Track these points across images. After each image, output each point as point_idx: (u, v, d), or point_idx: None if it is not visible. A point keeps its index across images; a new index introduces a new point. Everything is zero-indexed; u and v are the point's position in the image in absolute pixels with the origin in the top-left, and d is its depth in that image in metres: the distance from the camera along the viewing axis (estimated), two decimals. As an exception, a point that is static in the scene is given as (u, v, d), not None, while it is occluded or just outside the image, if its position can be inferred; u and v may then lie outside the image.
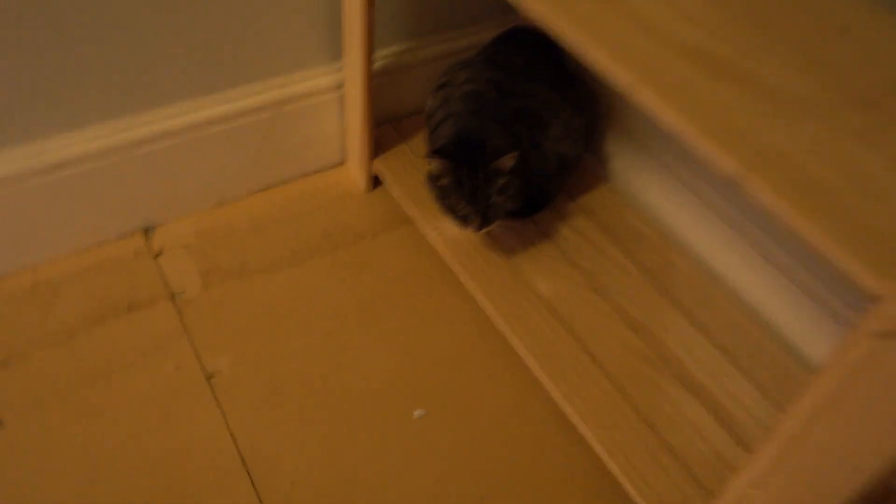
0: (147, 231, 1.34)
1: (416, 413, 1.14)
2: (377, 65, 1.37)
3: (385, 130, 1.47)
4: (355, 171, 1.46)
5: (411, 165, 1.41)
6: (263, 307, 1.25)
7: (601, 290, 1.23)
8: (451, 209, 1.15)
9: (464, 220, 1.15)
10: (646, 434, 1.05)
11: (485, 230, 1.15)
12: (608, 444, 1.04)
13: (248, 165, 1.38)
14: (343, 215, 1.41)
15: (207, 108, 1.27)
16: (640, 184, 1.37)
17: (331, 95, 1.38)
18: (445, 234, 1.29)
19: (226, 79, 1.27)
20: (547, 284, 1.23)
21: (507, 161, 1.11)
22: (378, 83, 1.39)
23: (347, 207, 1.43)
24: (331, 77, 1.36)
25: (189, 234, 1.35)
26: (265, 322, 1.23)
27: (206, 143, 1.30)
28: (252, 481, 1.04)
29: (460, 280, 1.29)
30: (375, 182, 1.46)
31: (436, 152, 1.12)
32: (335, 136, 1.45)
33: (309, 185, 1.46)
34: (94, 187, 1.24)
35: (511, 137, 1.14)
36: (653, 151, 1.32)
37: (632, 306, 1.21)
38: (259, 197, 1.43)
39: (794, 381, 1.13)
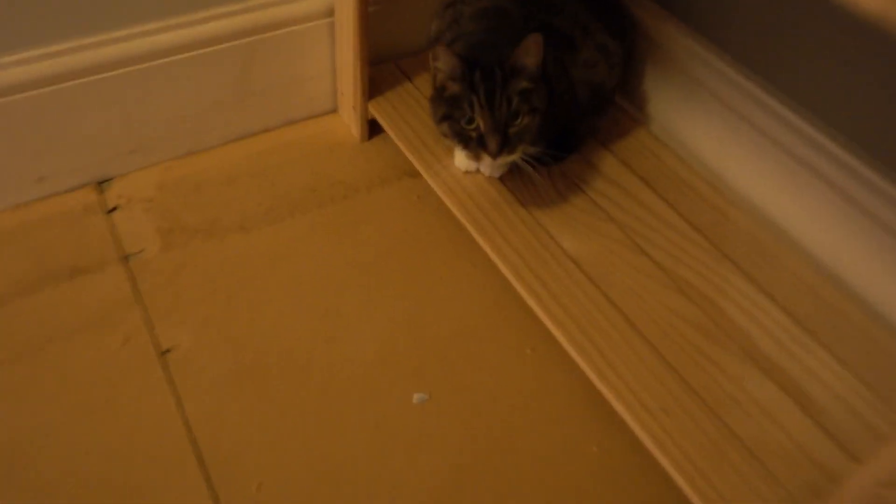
0: (101, 184, 1.14)
1: (417, 397, 0.93)
2: (372, -12, 1.16)
3: (384, 70, 1.25)
4: (348, 116, 1.25)
5: (415, 107, 1.19)
6: (235, 270, 1.05)
7: (643, 248, 1.01)
8: (460, 132, 0.92)
9: (478, 143, 0.91)
10: (705, 420, 0.84)
11: (506, 159, 0.93)
12: (657, 432, 0.82)
13: (222, 107, 1.17)
14: (333, 167, 1.20)
15: (172, 31, 1.06)
16: (685, 126, 1.15)
17: (319, 23, 1.17)
18: (455, 181, 1.08)
19: (190, -2, 1.06)
20: (576, 242, 1.01)
21: (532, 49, 0.88)
22: (375, 10, 1.18)
23: (338, 158, 1.22)
24: (318, 1, 1.15)
25: (150, 186, 1.14)
26: (236, 287, 1.03)
27: (171, 76, 1.09)
28: (209, 481, 0.83)
29: (473, 237, 1.07)
30: (372, 130, 1.25)
31: (443, 45, 0.90)
32: (325, 75, 1.24)
33: (294, 133, 1.25)
34: (34, 127, 1.03)
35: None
36: (702, 83, 1.09)
37: (681, 267, 0.99)
38: (235, 146, 1.22)
39: (885, 353, 0.90)
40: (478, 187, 1.08)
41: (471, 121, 0.91)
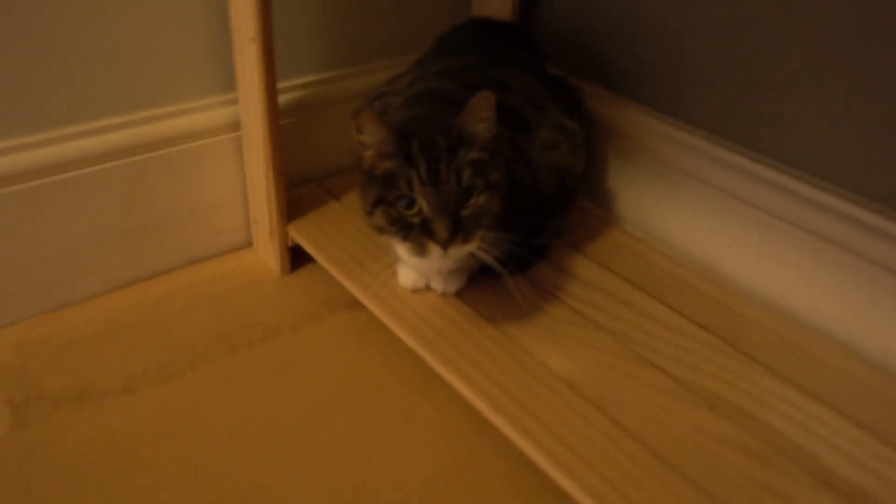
0: (-64, 352, 0.86)
1: None
2: (284, 98, 1.00)
3: (305, 191, 1.06)
4: (264, 248, 1.04)
5: (345, 226, 0.99)
6: (114, 447, 0.77)
7: (648, 358, 0.80)
8: (398, 220, 0.72)
9: (422, 230, 0.71)
10: (796, 584, 0.58)
11: (460, 250, 0.72)
12: None
13: (104, 245, 0.94)
14: (248, 308, 0.97)
15: (33, 150, 0.86)
16: (665, 217, 0.99)
17: (222, 138, 0.99)
18: (402, 304, 0.86)
19: (63, 107, 0.87)
20: (564, 359, 0.79)
21: (482, 108, 0.70)
22: (289, 123, 1.01)
23: (254, 297, 0.99)
24: (221, 112, 0.98)
25: (7, 348, 0.87)
26: (114, 471, 0.74)
27: (33, 206, 0.87)
28: None
29: (433, 372, 0.84)
30: (295, 262, 1.03)
31: (367, 112, 0.71)
32: (234, 201, 1.04)
33: (198, 274, 1.02)
34: None
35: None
36: (675, 166, 0.95)
37: (701, 376, 0.78)
38: (122, 294, 0.97)
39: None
40: (431, 308, 0.86)
41: (411, 203, 0.71)
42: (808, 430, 0.72)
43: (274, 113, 0.91)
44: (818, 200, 0.82)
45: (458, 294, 0.88)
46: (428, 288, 0.88)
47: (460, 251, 0.71)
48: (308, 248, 0.97)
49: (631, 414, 0.73)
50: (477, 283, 0.88)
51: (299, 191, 1.06)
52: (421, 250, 0.72)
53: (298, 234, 0.98)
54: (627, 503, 0.64)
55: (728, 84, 0.89)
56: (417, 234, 0.71)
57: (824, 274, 0.84)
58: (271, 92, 0.90)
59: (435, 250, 0.71)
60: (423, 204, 0.70)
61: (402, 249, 0.79)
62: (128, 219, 0.95)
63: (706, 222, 0.94)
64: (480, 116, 0.70)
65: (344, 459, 0.77)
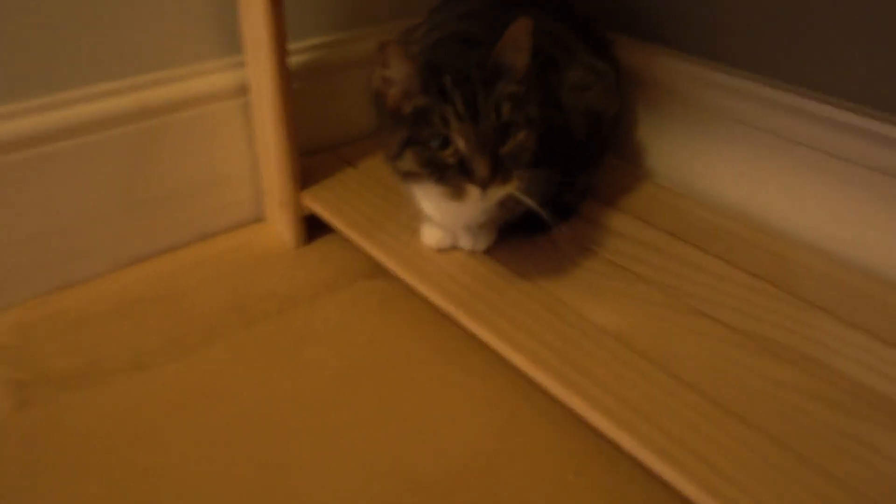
0: (-69, 336, 0.80)
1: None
2: (294, 61, 0.94)
3: (319, 160, 1.01)
4: (276, 219, 0.98)
5: (364, 192, 0.94)
6: (123, 426, 0.71)
7: (699, 308, 0.73)
8: (431, 161, 0.66)
9: (460, 171, 0.65)
10: (894, 535, 0.52)
11: (499, 191, 0.65)
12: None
13: (106, 221, 0.89)
14: (262, 281, 0.91)
15: (27, 116, 0.80)
16: (701, 167, 0.92)
17: (229, 104, 0.93)
18: (430, 265, 0.80)
19: (56, 70, 0.81)
20: (608, 313, 0.73)
21: (521, 38, 0.64)
22: (300, 87, 0.96)
23: (268, 270, 0.93)
24: (228, 75, 0.92)
25: (6, 329, 0.81)
26: (125, 449, 0.68)
27: (28, 178, 0.81)
28: None
29: (464, 336, 0.78)
30: (311, 233, 0.97)
31: (395, 44, 0.65)
32: (243, 172, 0.98)
33: (207, 250, 0.96)
34: None
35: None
36: (712, 109, 0.89)
37: (759, 324, 0.71)
38: (128, 273, 0.91)
39: None
40: (460, 266, 0.80)
41: (446, 142, 0.65)
42: (884, 375, 0.65)
43: (284, 70, 0.86)
44: (870, 129, 0.76)
45: (488, 252, 0.81)
46: (455, 247, 0.82)
47: (499, 192, 0.65)
48: (324, 214, 0.91)
49: (689, 366, 0.66)
50: (506, 241, 0.82)
51: (312, 160, 1.00)
52: (458, 193, 0.65)
53: (313, 201, 0.92)
54: (697, 459, 0.57)
55: (766, 16, 0.83)
56: (453, 174, 0.65)
57: (882, 211, 0.77)
58: (281, 47, 0.84)
59: (473, 192, 0.65)
60: (459, 142, 0.64)
61: (432, 197, 0.73)
62: (131, 192, 0.89)
63: (750, 168, 0.87)
64: (519, 45, 0.64)
65: (376, 430, 0.71)
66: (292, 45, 0.90)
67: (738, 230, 0.85)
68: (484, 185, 0.64)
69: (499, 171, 0.64)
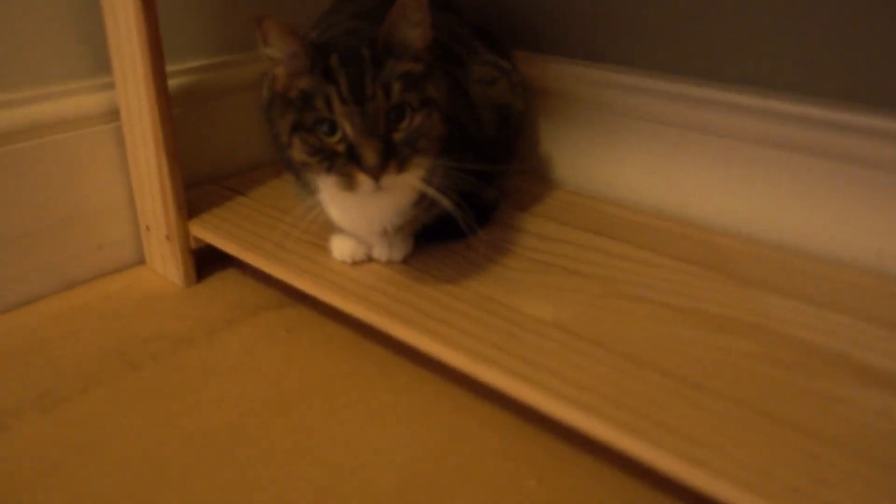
0: None
1: None
2: (170, 85, 0.86)
3: (205, 192, 0.91)
4: (161, 257, 0.87)
5: (259, 216, 0.85)
6: (-24, 496, 0.56)
7: (638, 294, 0.69)
8: (319, 149, 0.59)
9: (349, 159, 0.58)
10: (882, 478, 0.48)
11: (394, 179, 0.59)
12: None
13: (-52, 266, 0.75)
14: (148, 323, 0.79)
15: None
16: (613, 170, 0.91)
17: (97, 129, 0.83)
18: (346, 279, 0.72)
19: None
20: (546, 306, 0.67)
21: (412, 11, 0.59)
22: (181, 112, 0.87)
23: (155, 312, 0.81)
24: (94, 97, 0.82)
25: None
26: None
27: None
28: None
29: (386, 355, 0.71)
30: (201, 270, 0.87)
31: (272, 18, 0.58)
32: (118, 206, 0.87)
33: (79, 297, 0.83)
34: None
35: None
36: (617, 110, 0.88)
37: (701, 303, 0.68)
38: (-20, 326, 0.77)
39: None
40: (380, 277, 0.72)
41: (333, 127, 0.59)
42: (832, 335, 0.63)
43: (162, 84, 0.77)
44: (770, 108, 0.77)
45: (406, 262, 0.75)
46: (370, 259, 0.75)
47: (396, 182, 0.59)
48: (217, 242, 0.81)
49: (639, 346, 0.62)
50: (424, 250, 0.76)
51: (196, 192, 0.90)
52: (349, 183, 0.59)
53: (204, 231, 0.82)
54: (670, 432, 0.52)
55: (653, 13, 0.85)
56: (343, 163, 0.59)
57: (796, 187, 0.78)
58: (157, 57, 0.76)
59: (365, 181, 0.58)
60: (346, 126, 0.58)
61: (338, 199, 0.67)
62: (-18, 232, 0.77)
63: (662, 164, 0.87)
64: (412, 19, 0.59)
65: (296, 463, 0.60)
66: (167, 69, 0.82)
67: (660, 224, 0.83)
68: (374, 174, 0.58)
69: (391, 158, 0.58)
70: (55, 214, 0.81)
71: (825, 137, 0.74)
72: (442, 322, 0.65)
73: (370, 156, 0.57)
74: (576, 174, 0.95)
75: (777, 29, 0.76)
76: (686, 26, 0.83)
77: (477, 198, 0.73)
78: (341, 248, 0.74)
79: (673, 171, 0.86)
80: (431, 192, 0.63)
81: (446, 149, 0.65)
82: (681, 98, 0.83)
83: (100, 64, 0.83)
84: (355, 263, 0.74)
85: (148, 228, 0.87)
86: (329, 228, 0.76)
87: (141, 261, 0.90)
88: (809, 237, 0.78)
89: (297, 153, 0.61)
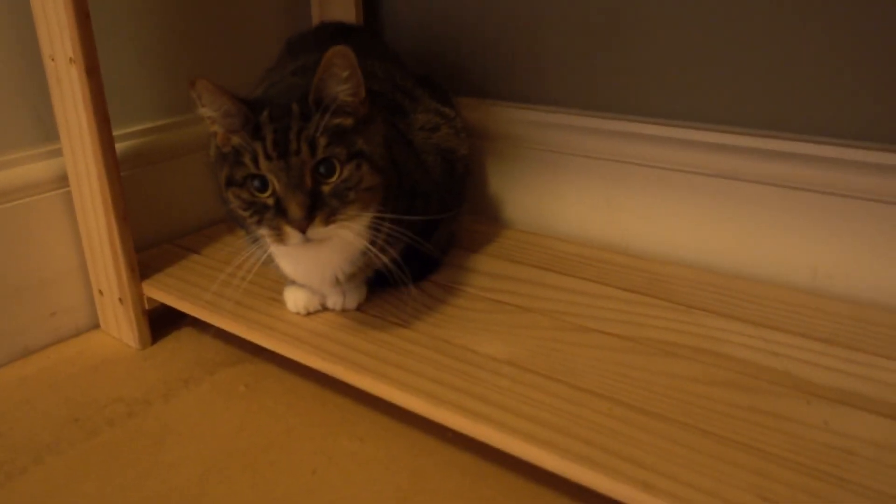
0: None
1: None
2: (118, 148, 0.87)
3: (158, 252, 0.91)
4: (116, 320, 0.86)
5: (213, 273, 0.85)
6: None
7: (587, 325, 0.72)
8: (251, 203, 0.61)
9: (277, 213, 0.60)
10: (834, 491, 0.50)
11: (322, 231, 0.60)
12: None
13: None
14: (103, 387, 0.78)
15: None
16: (559, 207, 0.94)
17: (46, 195, 0.83)
18: (300, 330, 0.73)
19: None
20: (498, 344, 0.69)
21: (339, 66, 0.60)
22: (129, 175, 0.88)
23: (110, 376, 0.80)
24: (40, 165, 0.83)
25: None
26: None
27: None
28: None
29: (346, 404, 0.71)
30: (156, 332, 0.87)
31: (204, 78, 0.60)
32: (70, 272, 0.86)
33: (31, 366, 0.82)
34: None
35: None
36: (561, 149, 0.92)
37: (647, 330, 0.70)
38: (-71, 403, 0.75)
39: None
40: (335, 326, 0.73)
41: (264, 184, 0.60)
42: (773, 353, 0.66)
43: (109, 149, 0.78)
44: (702, 140, 0.81)
45: (360, 309, 0.76)
46: (324, 309, 0.76)
47: (323, 233, 0.60)
48: (171, 301, 0.81)
49: (590, 377, 0.63)
50: (376, 296, 0.78)
51: (148, 253, 0.91)
52: (279, 235, 0.60)
53: (157, 291, 0.83)
54: (624, 460, 0.53)
55: (588, 55, 0.89)
56: (272, 216, 0.60)
57: (730, 212, 0.81)
58: (103, 123, 0.77)
59: (292, 234, 0.59)
60: (273, 181, 0.60)
61: (287, 253, 0.68)
62: (-72, 306, 0.76)
63: (603, 198, 0.90)
64: (339, 75, 0.61)
65: (259, 520, 0.60)
66: (114, 132, 0.83)
67: (605, 256, 0.86)
68: (300, 227, 0.59)
69: (317, 211, 0.59)
70: (6, 283, 0.81)
71: (756, 165, 0.78)
72: (398, 367, 0.66)
73: (295, 209, 0.59)
74: (524, 212, 0.97)
75: (706, 65, 0.81)
76: (620, 66, 0.87)
77: (425, 245, 0.75)
78: (295, 299, 0.75)
79: (613, 204, 0.89)
80: (371, 246, 0.65)
81: (391, 201, 0.66)
82: (616, 134, 0.87)
83: (47, 131, 0.83)
84: (310, 314, 0.75)
85: (101, 292, 0.86)
86: (282, 281, 0.77)
87: (95, 325, 0.89)
88: (747, 260, 0.81)
89: (233, 207, 0.63)
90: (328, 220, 0.60)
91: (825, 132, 0.76)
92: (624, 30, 0.85)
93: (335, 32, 0.87)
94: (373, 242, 0.65)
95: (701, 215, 0.83)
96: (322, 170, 0.60)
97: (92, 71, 0.75)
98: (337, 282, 0.72)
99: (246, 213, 0.61)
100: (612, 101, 0.88)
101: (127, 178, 0.85)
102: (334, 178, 0.61)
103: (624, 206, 0.88)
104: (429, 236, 0.77)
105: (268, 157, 0.59)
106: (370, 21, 1.06)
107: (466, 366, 0.65)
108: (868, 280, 0.75)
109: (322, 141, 0.60)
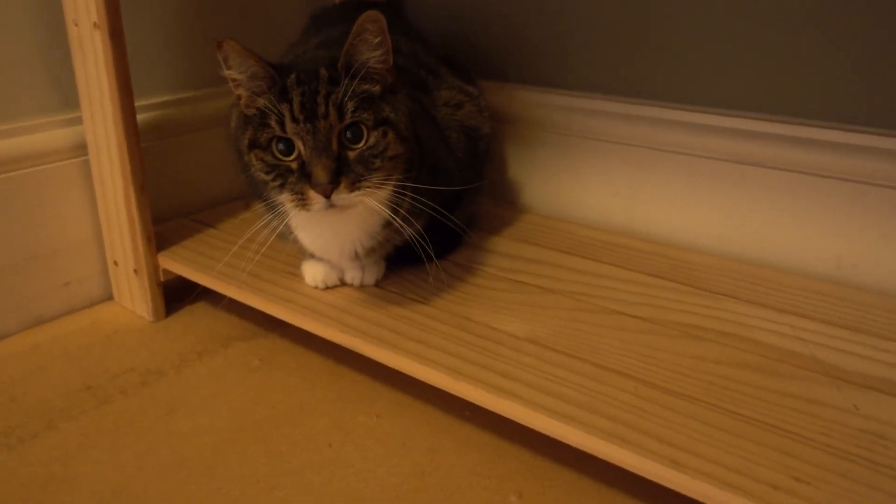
0: None
1: None
2: (139, 119, 0.86)
3: (174, 226, 0.90)
4: (130, 292, 0.85)
5: (228, 247, 0.84)
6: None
7: (610, 307, 0.70)
8: (275, 167, 0.60)
9: (301, 176, 0.59)
10: (867, 475, 0.49)
11: (347, 197, 0.59)
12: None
13: None
14: (117, 357, 0.77)
15: None
16: (579, 193, 0.93)
17: (64, 162, 0.82)
18: (318, 303, 0.72)
19: None
20: (520, 323, 0.68)
21: (371, 32, 0.59)
22: (149, 146, 0.87)
23: (123, 346, 0.80)
24: (59, 132, 0.82)
25: None
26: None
27: None
28: None
29: (361, 378, 0.70)
30: (170, 304, 0.86)
31: (231, 39, 0.59)
32: (86, 241, 0.86)
33: (44, 334, 0.82)
34: None
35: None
36: (582, 133, 0.91)
37: (672, 313, 0.69)
38: (-60, 367, 0.75)
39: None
40: (353, 301, 0.72)
41: (289, 147, 0.59)
42: (799, 339, 0.65)
43: (130, 118, 0.77)
44: (729, 126, 0.80)
45: (378, 285, 0.75)
46: (342, 284, 0.75)
47: (347, 200, 0.59)
48: (186, 273, 0.80)
49: (613, 356, 0.62)
50: (396, 272, 0.77)
51: (165, 226, 0.90)
52: (302, 200, 0.59)
53: (173, 262, 0.82)
54: (651, 437, 0.52)
55: (613, 39, 0.88)
56: (295, 180, 0.59)
57: (756, 200, 0.80)
58: (125, 89, 0.76)
59: (316, 198, 0.58)
60: (299, 144, 0.59)
61: (306, 223, 0.67)
62: (-57, 269, 0.75)
63: (626, 184, 0.89)
64: (370, 42, 0.60)
65: (273, 487, 0.59)
66: (136, 103, 0.82)
67: (626, 242, 0.85)
68: (325, 191, 0.58)
69: (342, 176, 0.58)
70: (21, 251, 0.80)
71: (783, 152, 0.77)
72: (418, 342, 0.65)
73: (320, 173, 0.58)
74: (544, 197, 0.96)
75: (733, 50, 0.80)
76: (646, 51, 0.86)
77: (445, 221, 0.74)
78: (313, 273, 0.74)
79: (637, 190, 0.88)
80: (395, 216, 0.64)
81: (413, 174, 0.65)
82: (641, 120, 0.85)
83: (67, 99, 0.82)
84: (328, 288, 0.74)
85: (116, 263, 0.85)
86: (300, 256, 0.76)
87: (108, 296, 0.89)
88: (771, 248, 0.80)
89: (255, 171, 0.61)
90: (353, 187, 0.59)
91: (853, 120, 0.74)
92: (650, 13, 0.84)
93: (359, 6, 0.86)
94: (395, 214, 0.64)
95: (725, 202, 0.82)
96: (349, 135, 0.59)
97: (116, 35, 0.74)
98: (356, 256, 0.71)
99: (268, 177, 0.60)
100: (636, 85, 0.87)
101: (145, 149, 0.84)
102: (360, 144, 0.60)
103: (647, 193, 0.87)
104: (451, 213, 0.76)
105: (294, 120, 0.58)
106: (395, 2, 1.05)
107: (487, 342, 0.64)
108: (894, 269, 0.74)
109: (350, 105, 0.59)
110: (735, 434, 0.52)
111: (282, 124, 0.59)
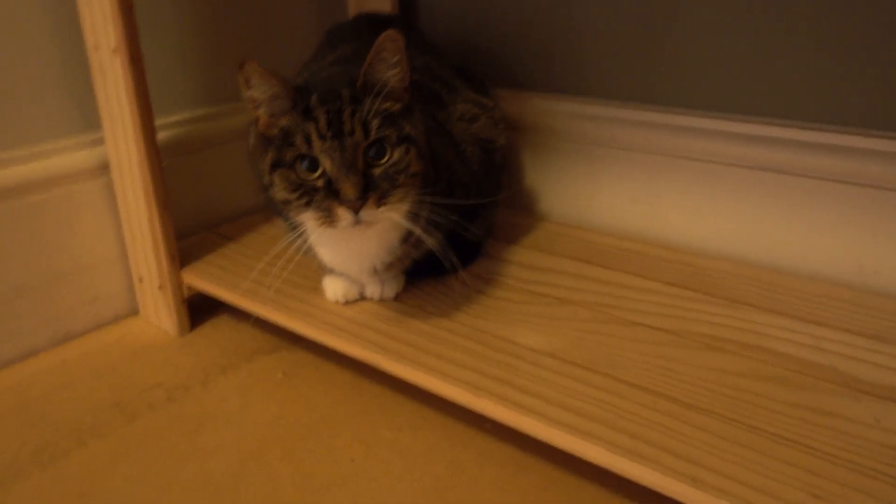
0: None
1: None
2: (159, 137, 0.88)
3: (198, 240, 0.92)
4: (155, 308, 0.87)
5: (251, 261, 0.86)
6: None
7: (628, 318, 0.71)
8: (299, 185, 0.61)
9: (328, 193, 0.60)
10: (884, 490, 0.49)
11: (375, 214, 0.60)
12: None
13: (-58, 326, 0.75)
14: (143, 373, 0.79)
15: None
16: (596, 201, 0.93)
17: (88, 183, 0.84)
18: (339, 319, 0.73)
19: None
20: (538, 335, 0.68)
21: (389, 51, 0.60)
22: (170, 164, 0.88)
23: (149, 362, 0.81)
24: (83, 154, 0.84)
25: None
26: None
27: None
28: None
29: (383, 393, 0.71)
30: (194, 319, 0.87)
31: (253, 61, 0.60)
32: (111, 259, 0.87)
33: (72, 350, 0.84)
34: None
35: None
36: (598, 142, 0.91)
37: (691, 324, 0.69)
38: (-26, 385, 0.77)
39: None
40: (374, 315, 0.73)
41: (313, 164, 0.60)
42: (819, 349, 0.64)
43: (151, 138, 0.79)
44: (745, 133, 0.80)
45: (397, 299, 0.76)
46: (362, 298, 0.76)
47: (374, 216, 0.60)
48: (210, 289, 0.82)
49: (633, 370, 0.62)
50: (415, 285, 0.77)
51: (189, 241, 0.91)
52: (329, 218, 0.60)
53: (196, 278, 0.83)
54: (671, 454, 0.52)
55: (628, 46, 0.87)
56: (322, 198, 0.60)
57: (777, 207, 0.80)
58: (145, 112, 0.77)
59: (344, 215, 0.59)
60: (325, 162, 0.59)
61: (326, 240, 0.68)
62: (-26, 290, 0.77)
63: (644, 192, 0.89)
64: (388, 60, 0.61)
65: (298, 501, 0.60)
66: (156, 122, 0.84)
67: (645, 250, 0.85)
68: (354, 207, 0.59)
69: (370, 192, 0.59)
70: (49, 269, 0.82)
71: (803, 158, 0.77)
72: (438, 357, 0.65)
73: (350, 190, 0.59)
74: (561, 205, 0.96)
75: (752, 55, 0.79)
76: (663, 58, 0.85)
77: (464, 233, 0.75)
78: (334, 288, 0.75)
79: (654, 197, 0.88)
80: (416, 229, 0.65)
81: (431, 187, 0.66)
82: (658, 126, 0.85)
83: (89, 120, 0.84)
84: (348, 303, 0.75)
85: (141, 279, 0.87)
86: (320, 271, 0.77)
87: (134, 312, 0.90)
88: (792, 255, 0.80)
89: (278, 191, 0.62)
90: (380, 202, 0.60)
91: (874, 125, 0.74)
92: (666, 19, 0.83)
93: (372, 23, 0.87)
94: (414, 228, 0.65)
95: (745, 209, 0.82)
96: (373, 152, 0.60)
97: (135, 60, 0.75)
98: (375, 271, 0.72)
99: (293, 196, 0.61)
100: (653, 92, 0.87)
101: (167, 166, 0.85)
102: (385, 161, 0.61)
103: (665, 200, 0.87)
104: (468, 222, 0.77)
105: (321, 138, 0.59)
106: (406, 11, 1.05)
107: (507, 357, 0.65)
108: (918, 277, 0.73)
109: (374, 123, 0.60)
110: (755, 450, 0.53)
111: (308, 142, 0.59)
